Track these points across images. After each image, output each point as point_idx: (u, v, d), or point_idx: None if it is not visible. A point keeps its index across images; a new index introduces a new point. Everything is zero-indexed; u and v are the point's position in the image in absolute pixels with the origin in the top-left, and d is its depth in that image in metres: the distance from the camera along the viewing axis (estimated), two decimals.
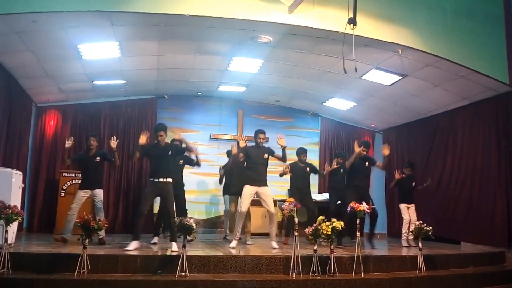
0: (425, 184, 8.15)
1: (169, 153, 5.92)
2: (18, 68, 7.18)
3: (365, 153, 7.20)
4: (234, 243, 6.30)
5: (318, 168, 8.75)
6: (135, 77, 8.48)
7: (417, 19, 6.62)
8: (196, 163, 7.33)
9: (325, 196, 9.21)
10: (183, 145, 6.33)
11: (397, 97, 8.58)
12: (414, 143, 9.58)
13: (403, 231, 7.64)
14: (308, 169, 7.65)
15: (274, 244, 6.32)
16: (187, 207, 7.68)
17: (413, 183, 8.03)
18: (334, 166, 7.78)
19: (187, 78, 8.76)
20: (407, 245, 7.49)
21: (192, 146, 6.64)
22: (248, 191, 6.43)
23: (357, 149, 7.07)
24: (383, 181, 10.27)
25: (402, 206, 7.87)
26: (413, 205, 7.88)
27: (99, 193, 6.64)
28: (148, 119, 9.54)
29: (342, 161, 7.83)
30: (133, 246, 5.49)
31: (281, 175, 7.13)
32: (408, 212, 7.79)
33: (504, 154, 7.26)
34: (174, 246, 5.53)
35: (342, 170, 7.81)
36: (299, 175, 7.51)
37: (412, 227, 7.67)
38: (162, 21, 6.03)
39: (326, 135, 10.63)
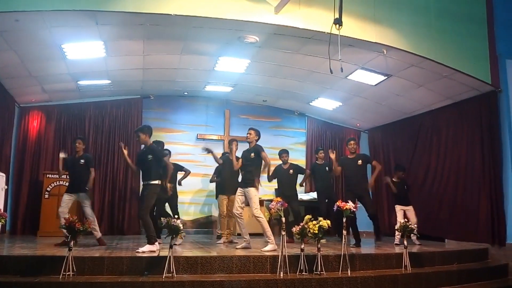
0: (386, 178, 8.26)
1: (149, 157, 5.86)
2: (1, 68, 7.06)
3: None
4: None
5: (304, 167, 8.79)
6: (120, 77, 8.40)
7: (401, 20, 6.70)
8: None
9: (312, 195, 9.25)
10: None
11: (382, 97, 8.66)
12: (399, 142, 9.67)
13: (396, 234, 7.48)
14: (291, 171, 7.67)
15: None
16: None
17: (405, 186, 7.97)
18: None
19: (173, 78, 8.71)
20: (398, 243, 7.34)
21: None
22: (238, 193, 6.41)
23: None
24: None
25: (398, 208, 7.77)
26: (410, 207, 7.73)
27: (83, 196, 6.63)
28: (134, 119, 9.46)
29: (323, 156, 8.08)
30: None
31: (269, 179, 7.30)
32: (402, 214, 7.60)
33: (487, 152, 7.37)
34: (145, 247, 5.43)
35: (327, 168, 7.93)
36: (283, 179, 7.64)
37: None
38: (148, 20, 5.99)
39: (313, 134, 10.69)
